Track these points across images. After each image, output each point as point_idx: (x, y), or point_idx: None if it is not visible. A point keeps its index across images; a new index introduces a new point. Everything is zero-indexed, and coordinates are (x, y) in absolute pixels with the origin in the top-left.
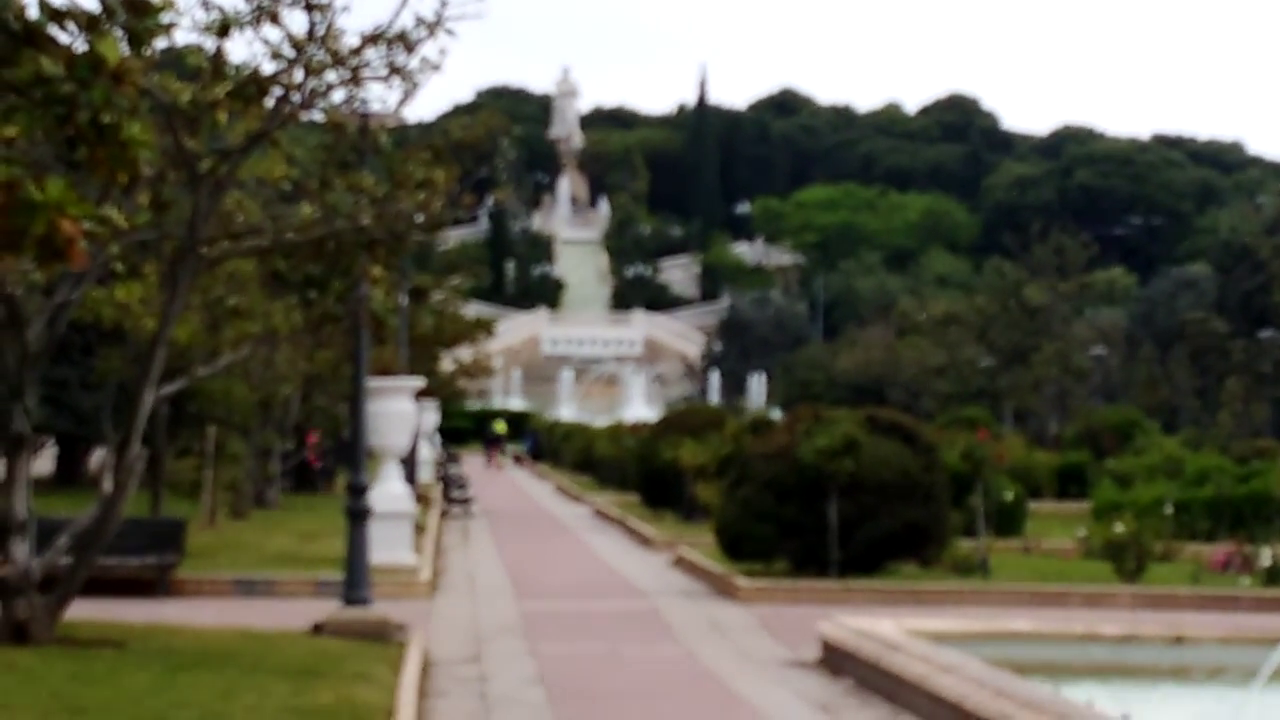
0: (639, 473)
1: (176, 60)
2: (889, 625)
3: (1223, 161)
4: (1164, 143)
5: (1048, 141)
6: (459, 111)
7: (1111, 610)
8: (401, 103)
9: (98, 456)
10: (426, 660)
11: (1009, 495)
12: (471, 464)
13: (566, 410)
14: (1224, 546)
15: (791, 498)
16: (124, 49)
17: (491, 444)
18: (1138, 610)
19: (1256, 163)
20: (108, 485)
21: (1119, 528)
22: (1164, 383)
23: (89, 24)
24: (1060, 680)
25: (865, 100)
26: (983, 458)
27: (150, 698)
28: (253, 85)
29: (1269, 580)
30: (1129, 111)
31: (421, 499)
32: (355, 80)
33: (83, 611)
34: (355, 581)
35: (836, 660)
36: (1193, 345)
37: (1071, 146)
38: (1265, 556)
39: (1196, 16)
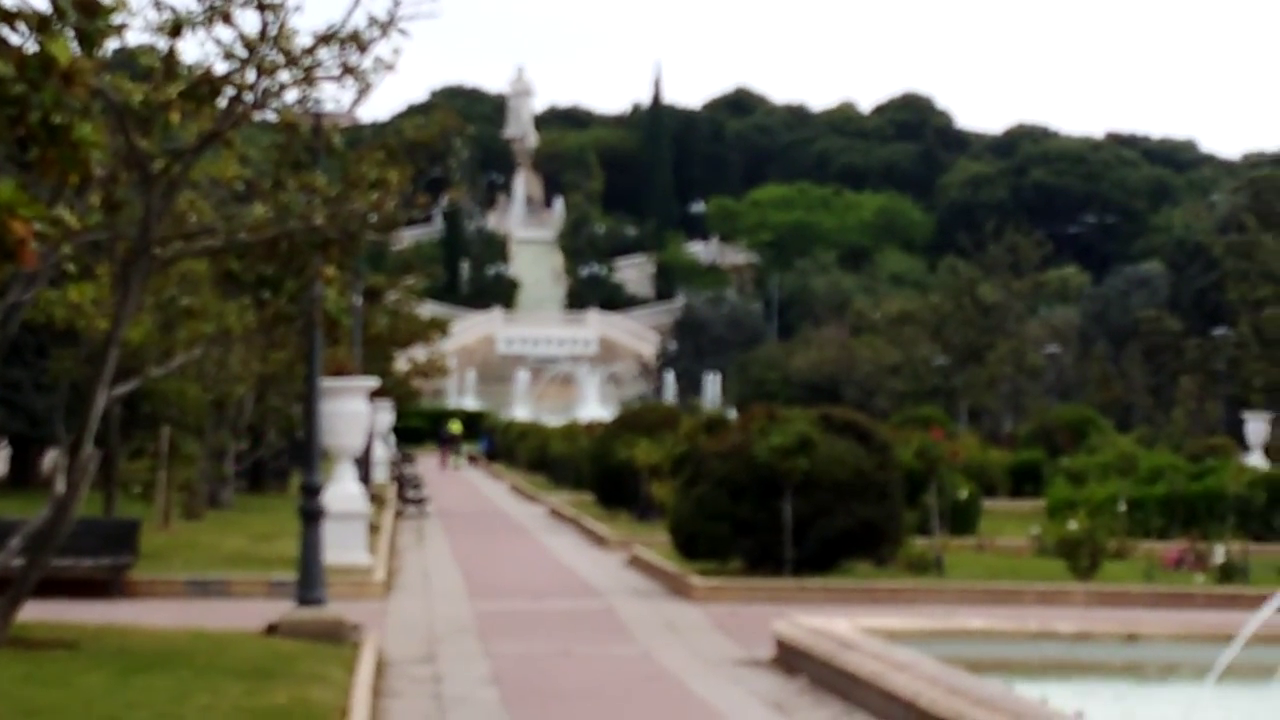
0: (594, 472)
1: (128, 60)
2: (843, 624)
3: (1176, 160)
4: (1118, 141)
5: (1002, 140)
6: (413, 111)
7: (1065, 608)
8: (355, 102)
9: (50, 457)
10: (381, 660)
11: (963, 493)
12: (426, 464)
13: (521, 410)
14: (1177, 544)
15: (746, 496)
16: (75, 50)
17: (446, 444)
18: (1091, 608)
19: (1209, 161)
20: (60, 486)
21: (1073, 525)
22: (1118, 381)
23: (40, 25)
24: (1014, 678)
25: (819, 99)
26: (937, 456)
27: (104, 699)
28: (205, 85)
29: (1222, 578)
30: (1083, 110)
31: (376, 499)
32: (308, 80)
33: (35, 613)
34: (309, 582)
35: (791, 659)
36: (1146, 343)
37: (1025, 145)
38: (1218, 554)
39: (1150, 15)
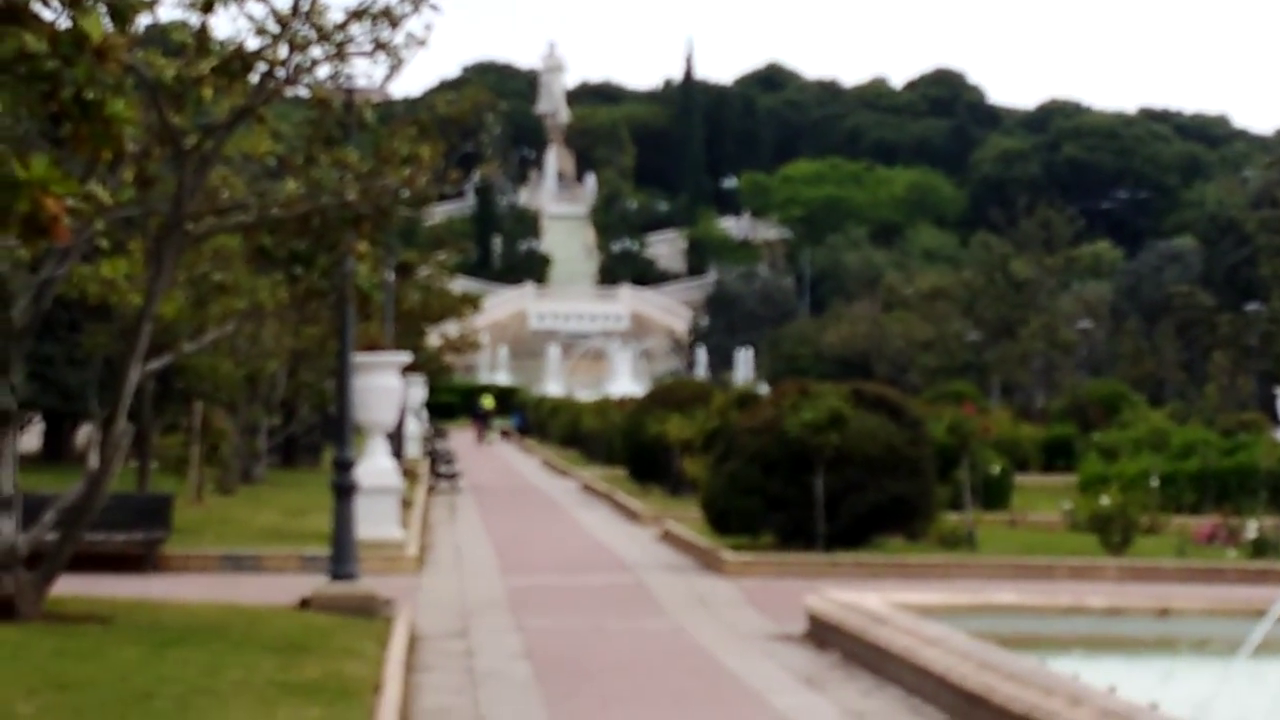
0: (626, 447)
1: (161, 36)
2: (874, 598)
3: (1209, 135)
4: (1150, 116)
5: (1034, 115)
6: (445, 87)
7: (1097, 583)
8: (387, 78)
9: (84, 433)
10: (413, 635)
11: (995, 468)
12: (459, 439)
13: (553, 385)
14: (1209, 519)
15: (778, 471)
16: (107, 25)
17: (480, 420)
18: (1123, 583)
19: (1242, 136)
20: (94, 461)
21: (1105, 500)
22: (1150, 356)
23: (72, 1)
24: (1046, 653)
25: (851, 75)
26: (969, 431)
27: (137, 673)
28: (237, 61)
29: (1254, 552)
30: (1115, 85)
31: (408, 474)
32: (340, 56)
33: (69, 587)
34: (342, 557)
35: (822, 633)
36: (1179, 319)
37: (1058, 120)
38: (1250, 529)
39: None
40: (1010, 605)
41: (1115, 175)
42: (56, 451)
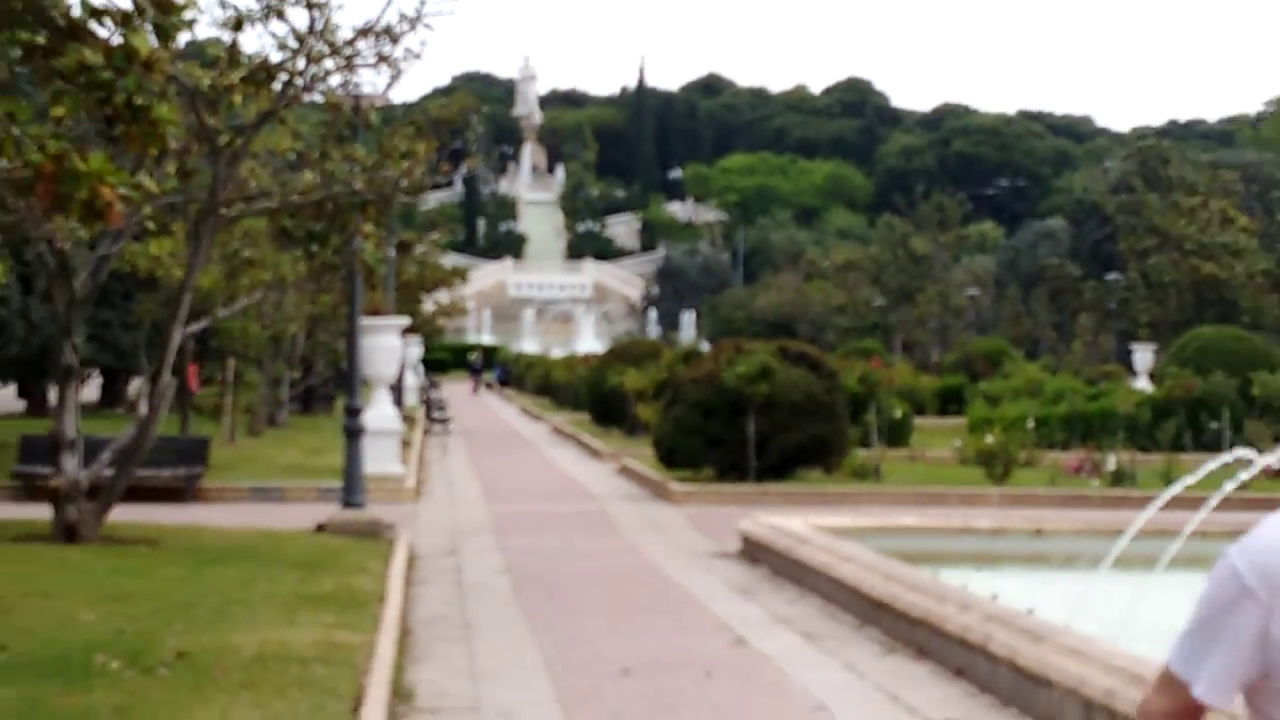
0: (589, 396)
1: (198, 51)
2: (797, 522)
3: (1075, 132)
4: (1026, 117)
5: (929, 117)
6: (436, 94)
7: (983, 508)
8: (388, 86)
9: (135, 385)
10: (412, 554)
11: (898, 412)
12: (451, 389)
13: (529, 344)
14: (1076, 454)
15: (716, 416)
16: (153, 42)
17: (475, 373)
18: (1005, 508)
19: (1104, 133)
20: (143, 409)
21: (989, 439)
22: (1027, 318)
23: (123, 20)
24: (940, 566)
25: (778, 83)
26: (875, 382)
27: (181, 587)
28: (263, 72)
29: (1114, 482)
30: (997, 90)
31: (407, 419)
32: (349, 67)
33: (123, 515)
34: (352, 488)
35: (754, 552)
36: (1050, 287)
37: (949, 120)
38: (1110, 462)
39: (1053, 9)
40: (910, 527)
41: (997, 166)
42: (112, 401)
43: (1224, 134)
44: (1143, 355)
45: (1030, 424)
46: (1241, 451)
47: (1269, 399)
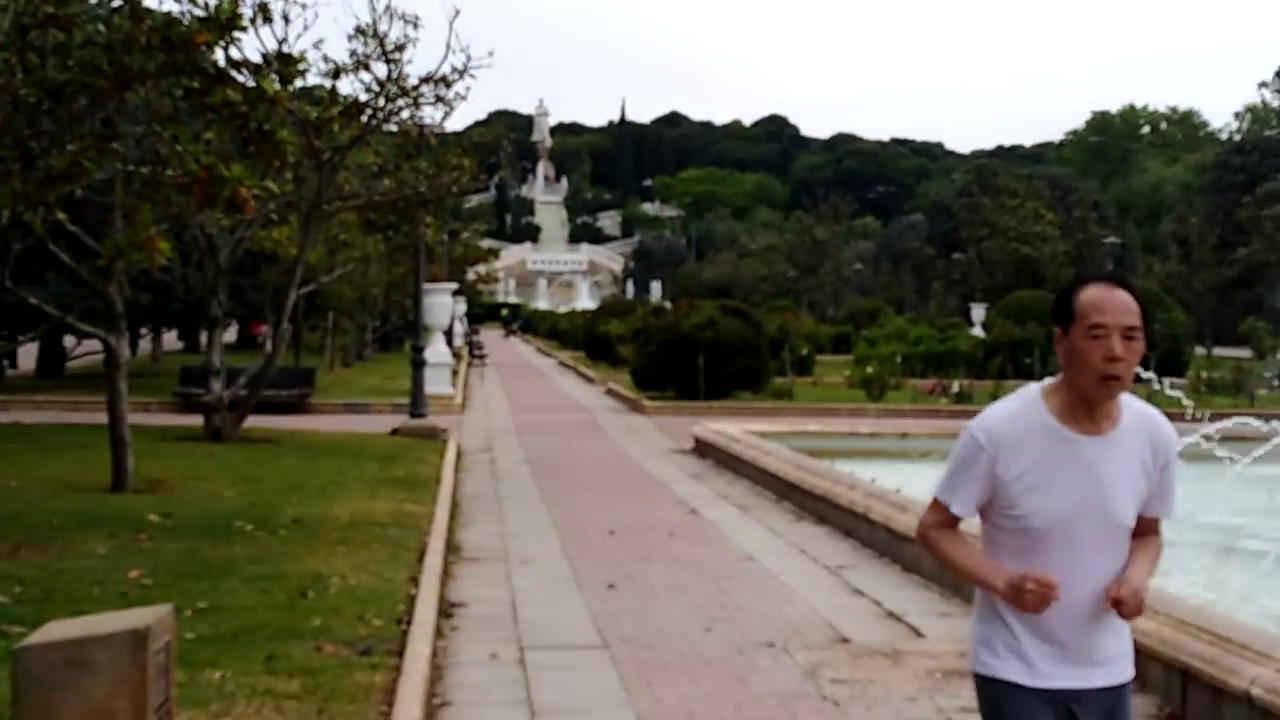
0: (585, 339)
1: (308, 92)
2: (733, 428)
3: (931, 154)
4: (896, 142)
5: (828, 142)
6: (477, 124)
7: (865, 418)
8: (443, 118)
9: (264, 331)
10: (459, 450)
11: (804, 351)
12: (488, 335)
13: (542, 303)
14: (931, 381)
15: (676, 353)
16: (277, 85)
17: (507, 324)
18: (880, 418)
19: (951, 154)
20: (269, 347)
21: (869, 370)
22: (896, 285)
23: (256, 69)
24: (834, 459)
25: (720, 117)
26: (789, 329)
27: (295, 471)
28: (354, 108)
29: (958, 400)
30: (876, 122)
31: (456, 356)
32: (415, 105)
33: (253, 422)
34: (417, 403)
35: (702, 449)
36: (913, 263)
37: (842, 145)
38: (955, 387)
39: (917, 59)
40: (813, 431)
41: (876, 178)
42: (246, 343)
43: (1036, 155)
44: (978, 311)
45: (898, 359)
46: (1048, 380)
47: None
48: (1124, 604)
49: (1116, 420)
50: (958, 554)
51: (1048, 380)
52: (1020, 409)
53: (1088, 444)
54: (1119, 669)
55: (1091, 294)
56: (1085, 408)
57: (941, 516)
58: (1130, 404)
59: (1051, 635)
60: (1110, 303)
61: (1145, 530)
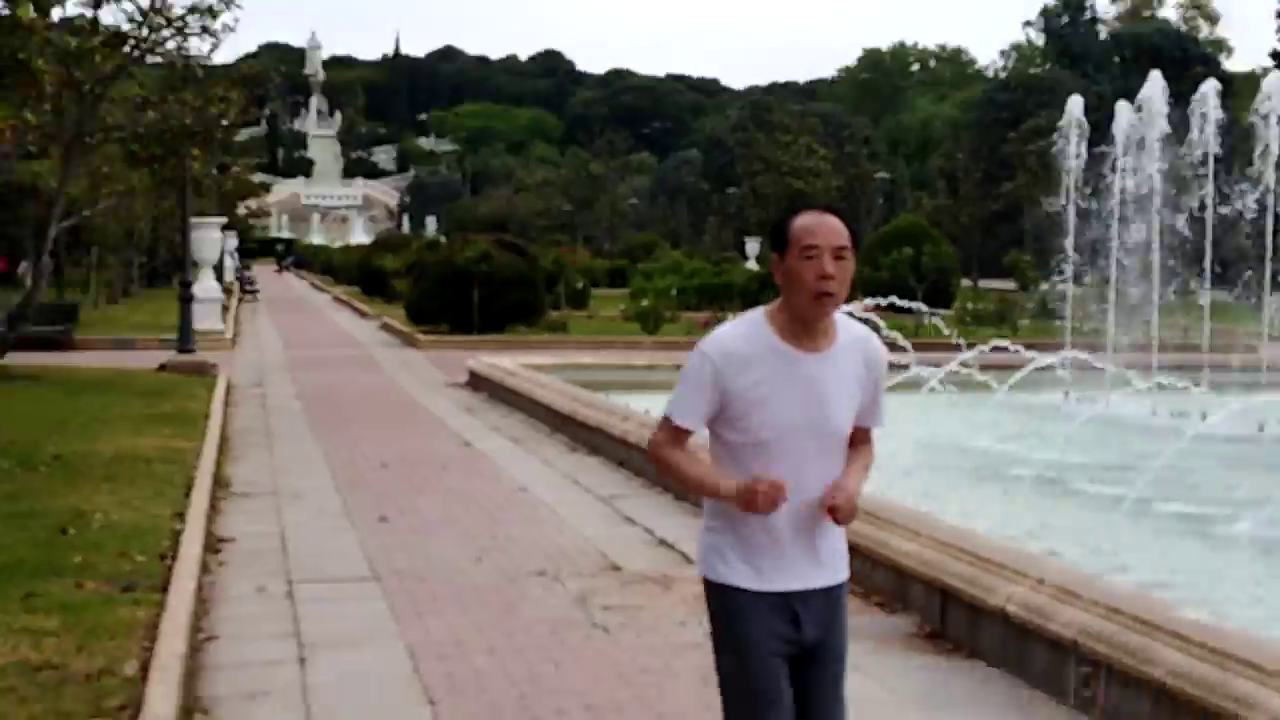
0: (359, 274)
1: (68, 22)
2: (508, 361)
3: (707, 90)
4: (672, 78)
5: (604, 78)
6: (247, 57)
7: (640, 351)
8: (210, 50)
9: (23, 266)
10: (230, 385)
11: (580, 285)
12: (261, 271)
13: (316, 238)
14: (705, 313)
15: (451, 287)
16: (33, 13)
17: (280, 260)
18: (655, 351)
19: (727, 90)
20: (29, 282)
21: (645, 303)
22: (672, 219)
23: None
24: (610, 391)
25: (497, 51)
26: (564, 263)
27: (58, 407)
28: (116, 38)
29: None
30: (652, 58)
31: (226, 291)
32: (181, 35)
33: (15, 359)
34: (185, 339)
35: (477, 382)
36: (689, 197)
37: (617, 81)
38: (730, 319)
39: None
40: (589, 364)
41: (652, 114)
42: (4, 280)
43: (810, 91)
44: (752, 245)
45: (673, 293)
46: (770, 304)
47: None
48: (839, 510)
49: (834, 338)
50: (689, 467)
51: (770, 304)
52: (746, 330)
53: (809, 361)
54: (837, 570)
55: (804, 220)
56: (804, 326)
57: (672, 433)
58: (846, 324)
59: (777, 541)
60: (821, 227)
61: (858, 439)
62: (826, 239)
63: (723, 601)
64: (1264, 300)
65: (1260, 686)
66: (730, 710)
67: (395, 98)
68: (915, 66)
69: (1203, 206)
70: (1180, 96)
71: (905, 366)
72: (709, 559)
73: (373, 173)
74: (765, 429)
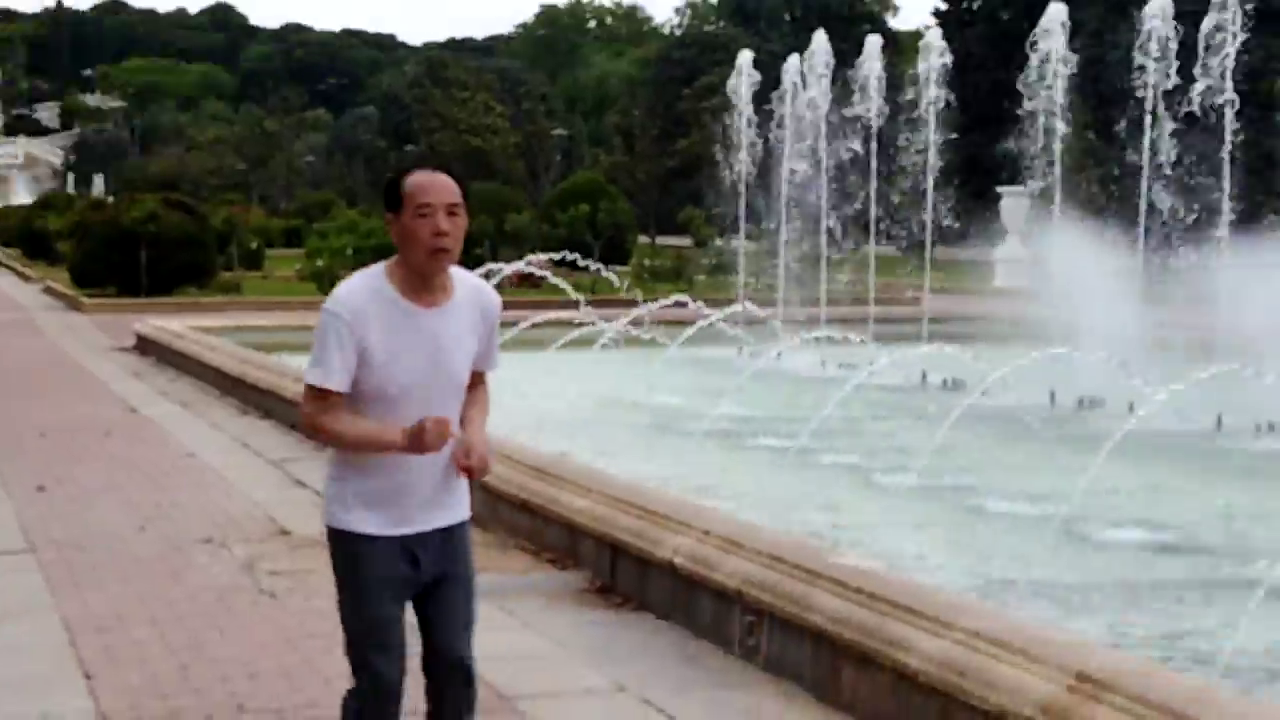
0: (21, 236)
1: None
2: (177, 324)
3: (383, 46)
4: (348, 34)
5: (279, 32)
6: None
7: (316, 312)
8: None
9: None
10: None
11: (254, 244)
12: None
13: None
14: None
15: (117, 248)
16: None
17: None
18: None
19: (404, 46)
20: None
21: (320, 263)
22: (349, 178)
23: None
24: (283, 353)
25: (166, 5)
26: (236, 222)
27: None
28: None
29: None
30: (328, 13)
31: None
32: None
33: None
34: None
35: (145, 346)
36: (365, 155)
37: (292, 35)
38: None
39: None
40: (262, 325)
41: (328, 70)
42: None
43: (487, 47)
44: None
45: (349, 252)
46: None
47: (516, 232)
48: (474, 471)
49: (451, 292)
50: (349, 429)
51: (389, 260)
52: (366, 284)
53: (428, 315)
54: (458, 510)
55: (417, 178)
56: (421, 281)
57: (321, 400)
58: (462, 277)
59: (401, 488)
60: (433, 185)
61: (475, 382)
62: (439, 196)
63: (343, 546)
64: (925, 254)
65: (914, 630)
66: (348, 648)
67: (59, 53)
68: (592, 23)
69: (868, 162)
70: (846, 55)
71: (583, 324)
72: (331, 507)
73: (36, 130)
74: (394, 384)
